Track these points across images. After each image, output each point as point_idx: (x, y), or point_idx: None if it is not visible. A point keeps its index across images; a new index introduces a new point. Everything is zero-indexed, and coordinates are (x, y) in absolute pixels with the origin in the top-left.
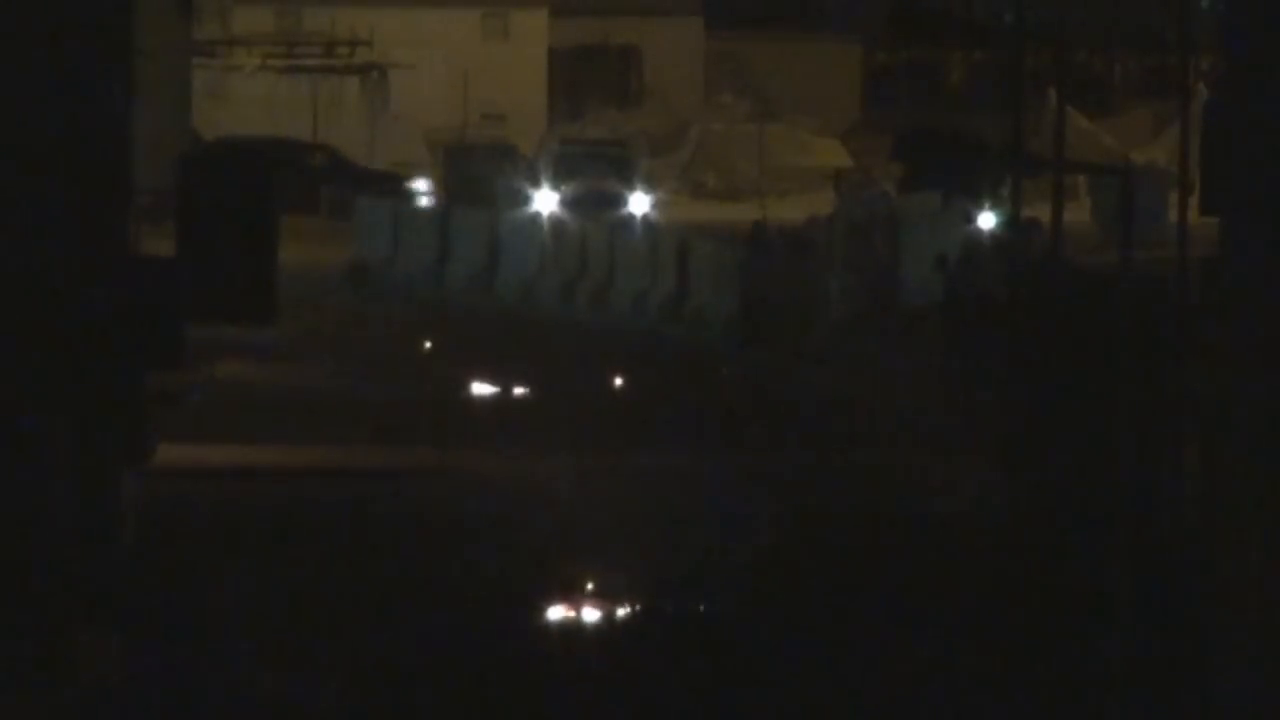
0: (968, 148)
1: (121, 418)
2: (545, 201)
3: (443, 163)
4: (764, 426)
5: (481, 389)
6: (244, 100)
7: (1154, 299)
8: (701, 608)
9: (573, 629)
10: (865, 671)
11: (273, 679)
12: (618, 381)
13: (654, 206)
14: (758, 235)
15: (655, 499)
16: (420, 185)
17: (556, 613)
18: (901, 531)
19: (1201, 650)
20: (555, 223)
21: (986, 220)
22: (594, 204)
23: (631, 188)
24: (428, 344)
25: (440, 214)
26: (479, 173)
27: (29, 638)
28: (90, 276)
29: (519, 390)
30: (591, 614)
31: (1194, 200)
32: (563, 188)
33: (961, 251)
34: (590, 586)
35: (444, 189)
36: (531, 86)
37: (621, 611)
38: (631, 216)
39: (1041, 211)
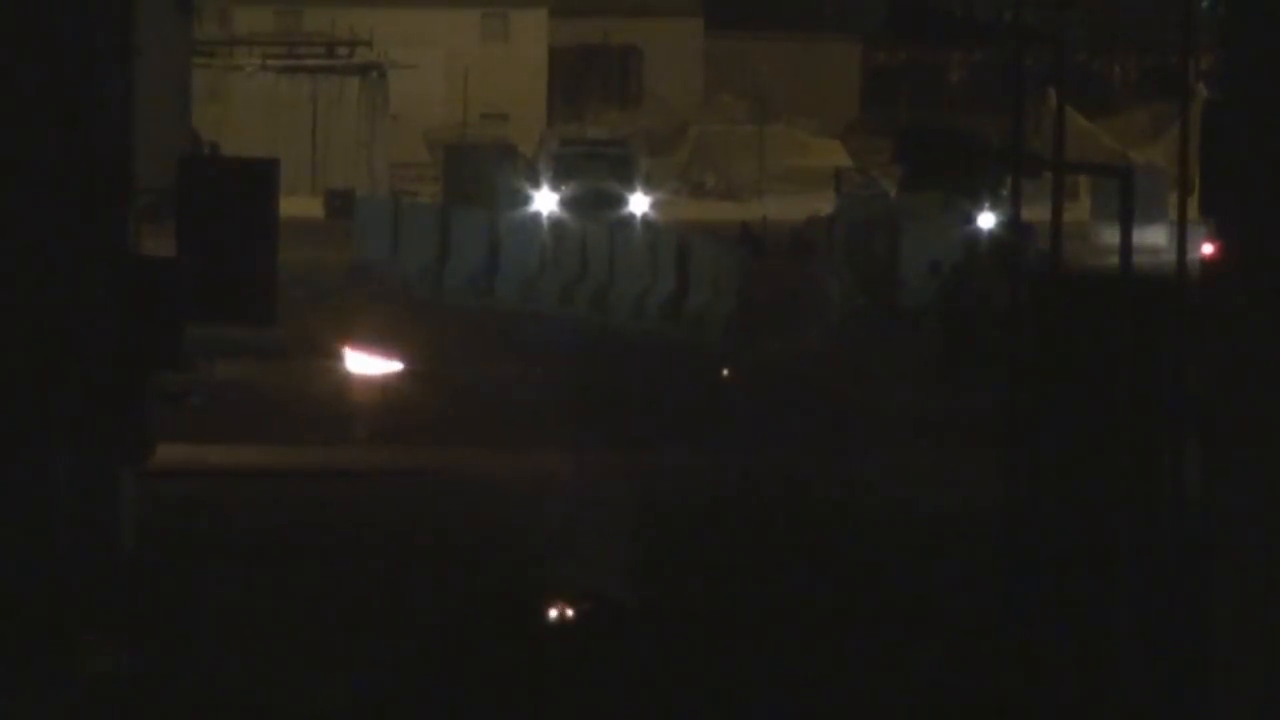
0: (968, 148)
1: (121, 418)
2: (545, 201)
3: (443, 163)
4: (764, 426)
5: (480, 389)
6: (244, 100)
7: (1153, 299)
8: (699, 607)
9: (571, 629)
10: (862, 671)
11: (272, 679)
12: (617, 382)
13: (654, 206)
14: (744, 236)
15: (654, 499)
16: None
17: (554, 612)
18: (900, 530)
19: (1203, 649)
20: (555, 223)
21: (986, 220)
22: (594, 204)
23: (631, 188)
24: (426, 344)
25: (440, 214)
26: (479, 173)
27: (29, 638)
28: (90, 276)
29: (518, 390)
30: (588, 614)
31: (1193, 200)
32: (563, 188)
33: (957, 257)
34: (588, 587)
35: (444, 189)
36: (531, 86)
37: (618, 611)
38: (631, 216)
39: (1042, 212)
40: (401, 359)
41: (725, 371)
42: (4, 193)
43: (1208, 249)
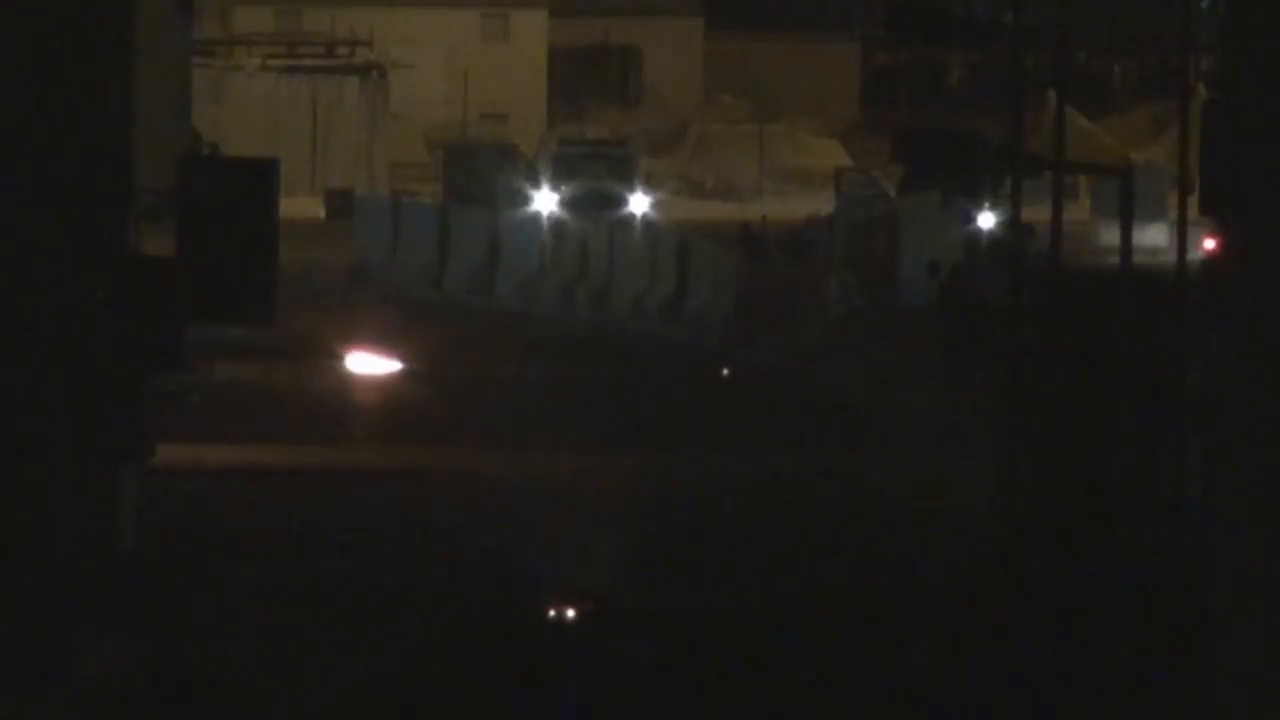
0: (968, 147)
1: (121, 418)
2: (545, 201)
3: (443, 163)
4: (763, 426)
5: (480, 389)
6: (244, 100)
7: (1153, 299)
8: (697, 607)
9: (570, 629)
10: (861, 673)
11: (271, 678)
12: (617, 382)
13: (653, 206)
14: (744, 236)
15: (654, 498)
16: None
17: (552, 612)
18: (899, 530)
19: (1202, 650)
20: (555, 223)
21: (986, 220)
22: (594, 204)
23: (631, 188)
24: (427, 344)
25: (440, 214)
26: (479, 173)
27: (29, 638)
28: (90, 276)
29: (518, 390)
30: (587, 614)
31: (1193, 200)
32: (563, 188)
33: (957, 257)
34: (586, 586)
35: (444, 189)
36: (531, 86)
37: (615, 611)
38: (631, 216)
39: (1041, 212)
40: (401, 359)
41: (725, 371)
42: (4, 193)
43: (1209, 244)
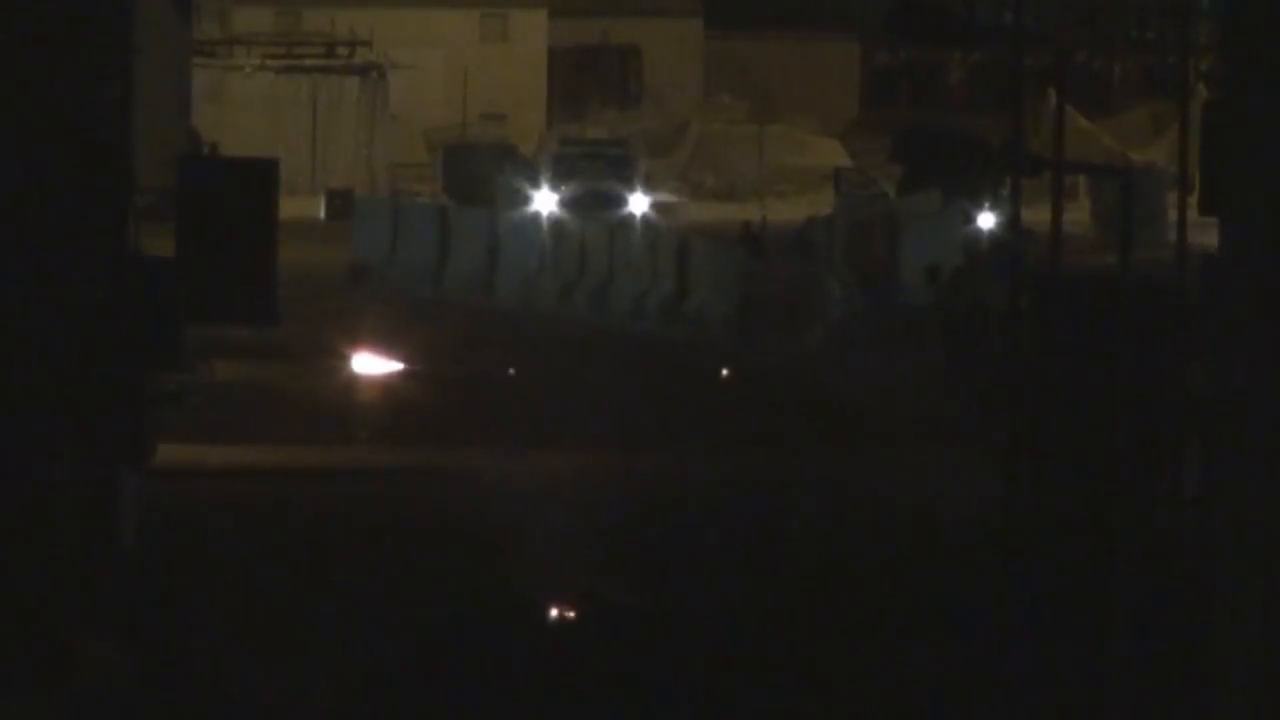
0: (968, 147)
1: (121, 418)
2: (545, 201)
3: (443, 163)
4: (763, 426)
5: (480, 389)
6: (244, 100)
7: (1153, 300)
8: (696, 607)
9: (569, 629)
10: (860, 672)
11: (271, 678)
12: (617, 381)
13: (653, 206)
14: (744, 236)
15: (654, 498)
16: None
17: (553, 613)
18: (899, 530)
19: (1202, 651)
20: (555, 223)
21: (986, 220)
22: (594, 204)
23: (631, 188)
24: (426, 344)
25: (440, 214)
26: (479, 173)
27: (29, 638)
28: (90, 276)
29: (518, 391)
30: (587, 613)
31: (1193, 200)
32: (562, 188)
33: (957, 260)
34: (587, 587)
35: (444, 189)
36: (531, 86)
37: (615, 611)
38: (631, 216)
39: (1041, 212)
40: (401, 359)
41: (725, 371)
42: (4, 193)
43: None
